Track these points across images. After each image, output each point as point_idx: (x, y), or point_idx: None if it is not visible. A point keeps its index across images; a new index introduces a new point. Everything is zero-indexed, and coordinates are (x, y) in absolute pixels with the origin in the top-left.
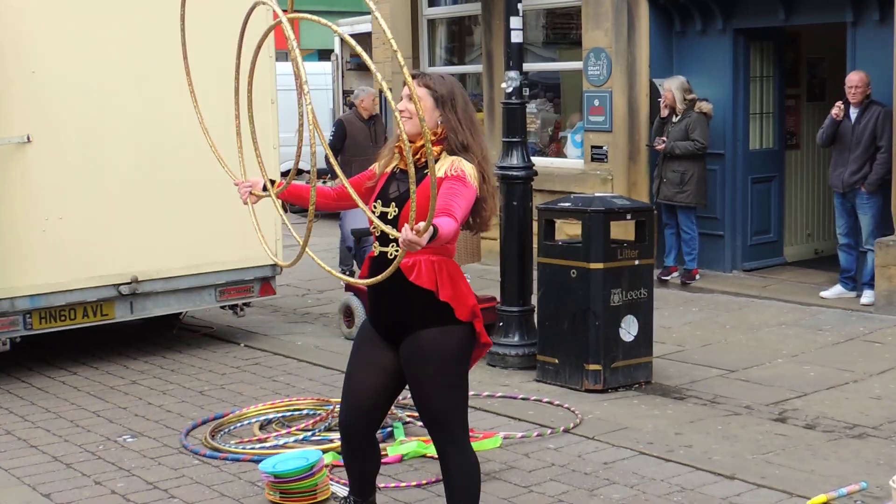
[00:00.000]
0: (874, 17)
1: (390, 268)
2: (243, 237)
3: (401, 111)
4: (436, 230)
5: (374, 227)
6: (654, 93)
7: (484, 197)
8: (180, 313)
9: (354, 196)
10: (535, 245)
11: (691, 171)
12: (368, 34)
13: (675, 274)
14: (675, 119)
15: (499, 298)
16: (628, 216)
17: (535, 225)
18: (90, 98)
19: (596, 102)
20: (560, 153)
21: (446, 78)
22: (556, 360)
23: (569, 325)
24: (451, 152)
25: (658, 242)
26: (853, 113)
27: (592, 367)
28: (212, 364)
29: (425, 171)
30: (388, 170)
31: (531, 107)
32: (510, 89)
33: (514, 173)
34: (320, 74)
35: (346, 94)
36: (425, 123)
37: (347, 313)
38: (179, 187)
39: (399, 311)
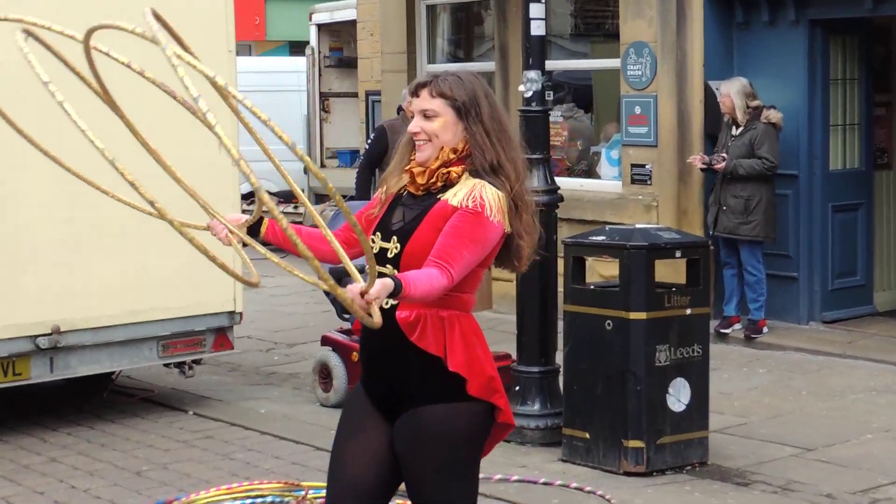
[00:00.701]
0: None
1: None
2: (193, 278)
3: (415, 134)
4: (398, 287)
5: (372, 269)
6: (710, 98)
7: (519, 232)
8: (113, 373)
9: (335, 245)
10: (560, 289)
11: (757, 196)
12: (352, 23)
13: (738, 326)
14: (735, 131)
15: (514, 356)
16: (678, 253)
17: (560, 263)
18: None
19: (637, 110)
20: (592, 173)
21: (465, 78)
22: (587, 435)
23: (603, 391)
24: (476, 174)
25: (716, 287)
26: None
27: (633, 443)
28: (152, 437)
29: (437, 195)
30: (395, 191)
31: (556, 114)
32: (530, 93)
33: (535, 198)
34: (291, 72)
35: (324, 96)
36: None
37: (324, 374)
38: (113, 216)
39: (397, 379)
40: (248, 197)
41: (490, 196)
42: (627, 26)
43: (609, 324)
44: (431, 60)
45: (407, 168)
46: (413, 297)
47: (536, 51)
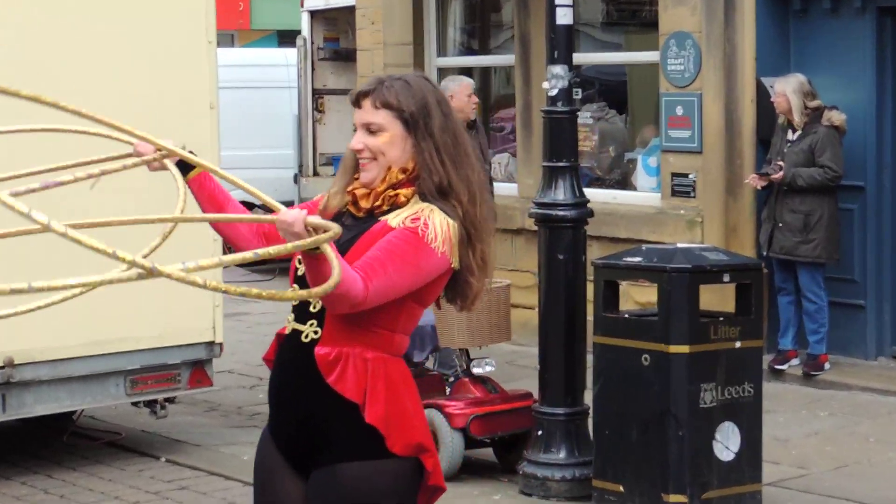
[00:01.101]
0: None
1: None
2: (166, 303)
3: (358, 151)
4: (334, 237)
5: (294, 292)
6: (763, 97)
7: (469, 267)
8: (74, 412)
9: (249, 188)
10: (589, 318)
11: (819, 211)
12: (350, 9)
13: (795, 361)
14: (792, 136)
15: (536, 395)
16: (726, 277)
17: (590, 288)
18: None
19: (679, 110)
20: (627, 184)
21: (413, 83)
22: (621, 488)
23: (639, 436)
24: (425, 197)
25: (770, 316)
26: None
27: (674, 498)
28: (118, 487)
29: (379, 217)
30: (334, 210)
31: (585, 116)
32: (555, 91)
33: (560, 213)
34: (280, 66)
35: (318, 94)
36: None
37: None
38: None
39: (309, 425)
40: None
41: (438, 223)
42: (668, 14)
43: (646, 358)
44: (442, 52)
45: (349, 189)
46: (333, 276)
47: (563, 42)
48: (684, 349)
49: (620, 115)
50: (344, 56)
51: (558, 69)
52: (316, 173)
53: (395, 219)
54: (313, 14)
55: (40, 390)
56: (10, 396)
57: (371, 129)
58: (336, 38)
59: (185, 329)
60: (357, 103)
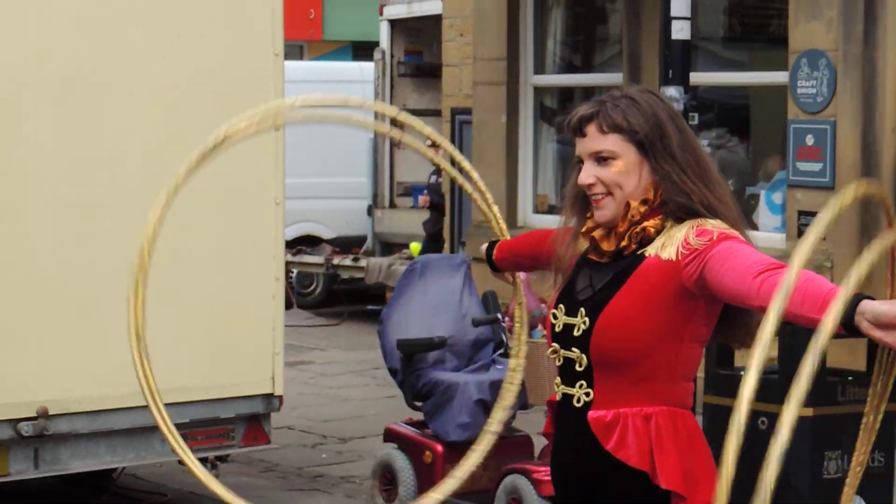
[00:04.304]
0: None
1: None
2: (220, 350)
3: (589, 186)
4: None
5: (555, 352)
6: None
7: None
8: (114, 470)
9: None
10: (700, 375)
11: None
12: (436, 19)
13: None
14: None
15: None
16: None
17: None
18: None
19: (809, 140)
20: (748, 221)
21: (639, 98)
22: None
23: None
24: (681, 220)
25: None
26: None
27: None
28: None
29: (639, 251)
30: (577, 252)
31: (704, 141)
32: None
33: None
34: (355, 82)
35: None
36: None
37: (386, 478)
38: (117, 271)
39: (594, 497)
40: (295, 244)
41: (721, 228)
42: (799, 29)
43: (763, 421)
44: (539, 70)
45: (585, 232)
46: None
47: (678, 60)
48: (808, 412)
49: (742, 143)
50: (427, 71)
51: (672, 90)
52: (393, 205)
53: (664, 250)
54: (394, 24)
55: (77, 444)
56: (44, 451)
57: (601, 158)
58: (419, 52)
59: (240, 380)
60: (579, 131)
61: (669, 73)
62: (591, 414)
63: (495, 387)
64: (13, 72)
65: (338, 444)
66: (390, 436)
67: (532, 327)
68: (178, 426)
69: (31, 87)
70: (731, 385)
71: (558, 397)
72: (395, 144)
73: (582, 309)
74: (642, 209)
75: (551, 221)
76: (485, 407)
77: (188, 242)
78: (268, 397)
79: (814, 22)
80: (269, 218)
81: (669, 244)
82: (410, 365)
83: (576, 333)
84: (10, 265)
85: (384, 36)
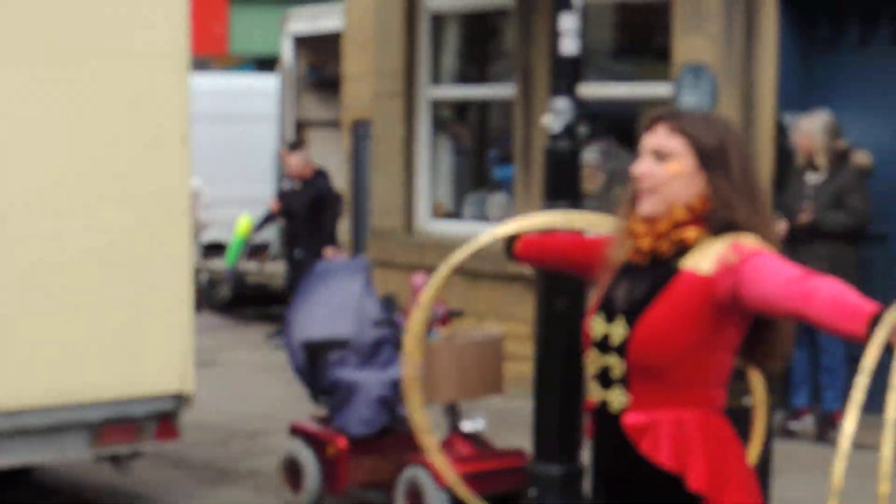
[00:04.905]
0: None
1: None
2: (132, 351)
3: (639, 178)
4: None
5: (592, 359)
6: (785, 136)
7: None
8: (31, 469)
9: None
10: None
11: (843, 258)
12: (337, 35)
13: (809, 420)
14: (814, 178)
15: (530, 453)
16: None
17: None
18: None
19: None
20: None
21: (714, 119)
22: None
23: None
24: (717, 233)
25: (782, 371)
26: None
27: None
28: None
29: (674, 264)
30: (619, 260)
31: (591, 153)
32: (558, 127)
33: None
34: (260, 95)
35: (301, 125)
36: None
37: (293, 471)
38: (34, 274)
39: (630, 499)
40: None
41: (754, 243)
42: (682, 44)
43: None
44: (436, 81)
45: (629, 225)
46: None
47: (568, 72)
48: None
49: (630, 151)
50: (329, 84)
51: (562, 103)
52: None
53: (700, 264)
54: (297, 39)
55: None
56: None
57: (660, 155)
58: (322, 65)
59: (151, 378)
60: (650, 127)
61: (560, 86)
62: (627, 418)
63: (396, 385)
64: None
65: (246, 440)
66: (296, 431)
67: (427, 329)
68: (92, 426)
69: None
70: None
71: (596, 402)
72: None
73: (621, 318)
74: (685, 214)
75: (447, 227)
76: (386, 403)
77: (101, 249)
78: (178, 396)
79: (697, 36)
80: (178, 225)
81: (704, 259)
82: (315, 363)
83: (614, 342)
84: None
85: (288, 50)
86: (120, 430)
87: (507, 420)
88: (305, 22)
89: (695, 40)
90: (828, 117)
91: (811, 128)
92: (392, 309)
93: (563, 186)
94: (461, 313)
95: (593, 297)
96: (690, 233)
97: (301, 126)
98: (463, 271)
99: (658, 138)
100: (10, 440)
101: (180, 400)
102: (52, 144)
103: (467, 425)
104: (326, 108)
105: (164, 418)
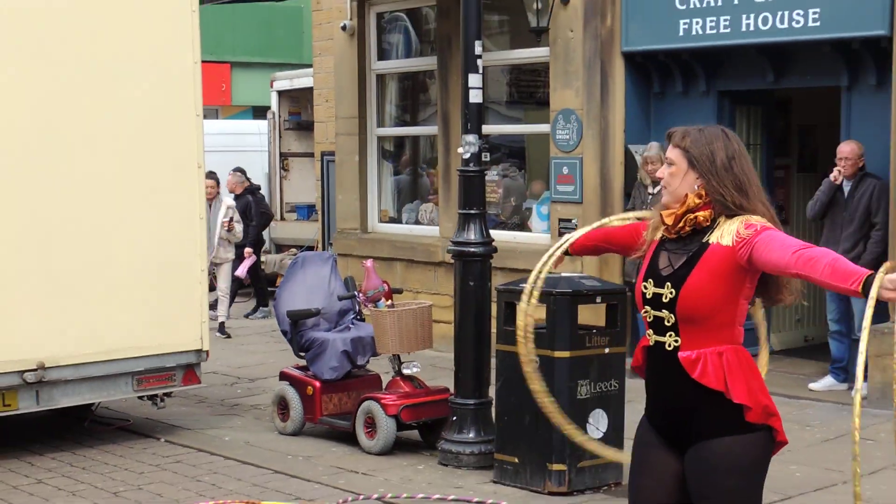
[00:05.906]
0: (870, 82)
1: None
2: (164, 319)
3: (660, 178)
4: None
5: (647, 312)
6: (630, 161)
7: None
8: (92, 404)
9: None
10: (493, 330)
11: None
12: (309, 90)
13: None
14: (653, 190)
15: (452, 390)
16: (598, 299)
17: (494, 307)
18: None
19: (564, 170)
20: (524, 226)
21: (707, 132)
22: (516, 460)
23: (531, 421)
24: (731, 214)
25: (631, 328)
26: (846, 186)
27: (556, 467)
28: (128, 461)
29: (704, 240)
30: (656, 238)
31: (492, 174)
32: (468, 155)
33: (472, 249)
34: (254, 134)
35: (284, 156)
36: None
37: (282, 405)
38: (91, 263)
39: (681, 414)
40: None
41: (763, 221)
42: (557, 95)
43: (536, 361)
44: (381, 124)
45: (659, 210)
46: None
47: (474, 116)
48: (566, 354)
49: (520, 171)
50: (304, 126)
51: (471, 138)
52: (283, 218)
53: (723, 239)
54: (281, 93)
55: (66, 387)
56: (43, 392)
57: (669, 163)
58: (298, 112)
59: (179, 340)
60: (670, 141)
61: (468, 125)
62: (681, 354)
63: (355, 342)
64: None
65: (248, 383)
66: (284, 376)
67: (376, 300)
68: (136, 373)
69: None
70: (512, 337)
71: (651, 343)
72: (283, 177)
73: (668, 282)
74: (696, 201)
75: (390, 228)
76: (347, 356)
77: (142, 246)
78: (198, 352)
79: (566, 90)
80: (195, 229)
81: (726, 234)
82: (296, 327)
83: (664, 300)
84: (10, 255)
85: (274, 102)
86: (156, 377)
87: (436, 366)
88: (287, 81)
89: (565, 93)
90: (660, 147)
91: (649, 154)
92: (352, 287)
93: (472, 198)
94: (401, 290)
95: (639, 268)
96: (701, 215)
97: (284, 157)
98: (403, 259)
99: (668, 151)
100: (77, 385)
101: (200, 354)
102: (113, 168)
103: (407, 370)
104: (303, 143)
105: (189, 368)
